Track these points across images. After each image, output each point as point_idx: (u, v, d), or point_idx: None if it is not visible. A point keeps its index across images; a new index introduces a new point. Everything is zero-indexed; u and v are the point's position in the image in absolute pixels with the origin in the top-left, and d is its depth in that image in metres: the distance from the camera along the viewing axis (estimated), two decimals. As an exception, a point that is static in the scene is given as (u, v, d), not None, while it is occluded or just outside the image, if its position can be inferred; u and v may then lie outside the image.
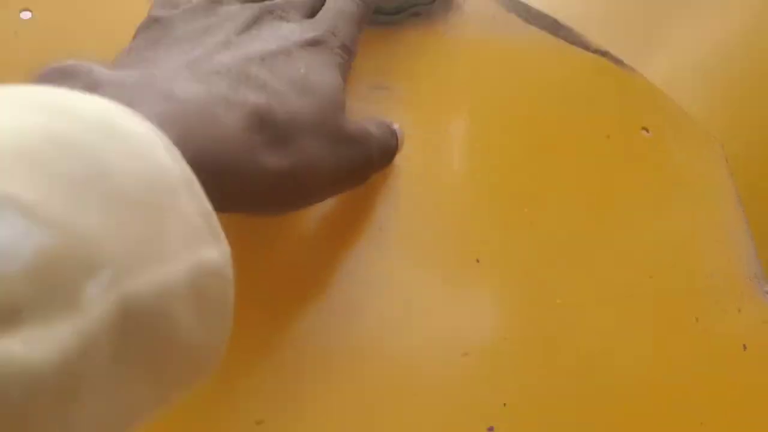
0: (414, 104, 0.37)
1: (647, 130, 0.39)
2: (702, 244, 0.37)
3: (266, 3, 0.30)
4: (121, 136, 0.17)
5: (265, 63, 0.26)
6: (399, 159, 0.34)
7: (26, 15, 0.35)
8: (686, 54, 0.50)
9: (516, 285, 0.33)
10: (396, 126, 0.33)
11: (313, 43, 0.28)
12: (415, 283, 0.32)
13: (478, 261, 0.33)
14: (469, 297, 0.33)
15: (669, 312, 0.33)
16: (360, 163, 0.29)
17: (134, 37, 0.29)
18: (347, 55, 0.30)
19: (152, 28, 0.28)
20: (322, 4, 0.31)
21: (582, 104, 0.39)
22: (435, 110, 0.37)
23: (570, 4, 0.58)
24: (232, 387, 0.28)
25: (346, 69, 0.29)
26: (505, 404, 0.30)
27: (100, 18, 0.36)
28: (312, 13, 0.31)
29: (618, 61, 0.41)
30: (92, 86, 0.22)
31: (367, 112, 0.35)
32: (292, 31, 0.28)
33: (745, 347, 0.32)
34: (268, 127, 0.24)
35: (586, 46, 0.41)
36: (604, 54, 0.41)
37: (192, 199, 0.18)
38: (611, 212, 0.36)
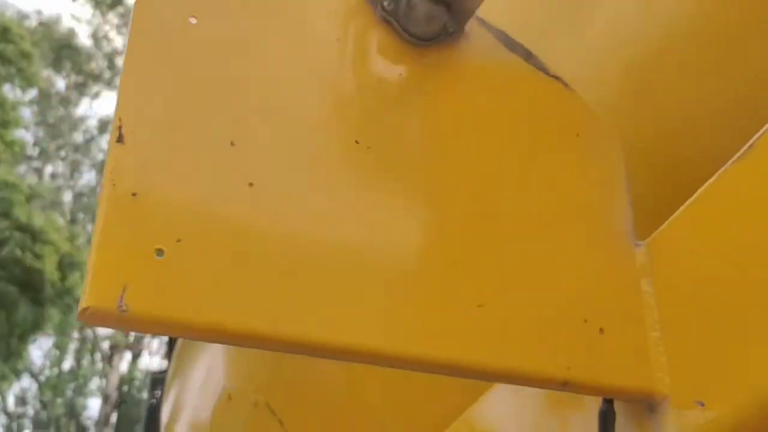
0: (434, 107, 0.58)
1: (578, 135, 0.62)
2: (597, 198, 0.62)
3: None
4: None
5: None
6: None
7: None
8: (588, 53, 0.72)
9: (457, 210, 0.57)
10: None
11: None
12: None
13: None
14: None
15: (560, 236, 0.59)
16: None
17: None
18: None
19: None
20: None
21: (538, 120, 0.62)
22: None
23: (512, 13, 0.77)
24: None
25: None
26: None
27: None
28: None
29: (565, 84, 0.63)
30: None
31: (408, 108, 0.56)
32: None
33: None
34: None
35: (546, 71, 0.63)
36: (558, 78, 0.63)
37: None
38: (543, 179, 0.60)
